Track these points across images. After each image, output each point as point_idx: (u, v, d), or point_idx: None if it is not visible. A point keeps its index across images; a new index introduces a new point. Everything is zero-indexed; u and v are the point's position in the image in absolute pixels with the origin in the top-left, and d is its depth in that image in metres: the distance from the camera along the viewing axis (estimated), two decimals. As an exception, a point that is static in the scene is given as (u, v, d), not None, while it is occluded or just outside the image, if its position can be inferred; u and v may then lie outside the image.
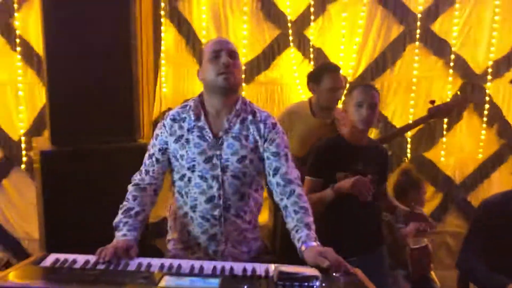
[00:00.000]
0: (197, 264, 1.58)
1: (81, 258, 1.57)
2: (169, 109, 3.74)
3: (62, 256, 1.57)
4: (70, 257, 1.57)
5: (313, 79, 3.00)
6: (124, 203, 1.84)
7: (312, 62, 3.82)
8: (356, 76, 3.86)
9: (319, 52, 3.83)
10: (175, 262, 1.58)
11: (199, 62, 1.96)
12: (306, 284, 1.43)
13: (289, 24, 3.80)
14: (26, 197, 3.78)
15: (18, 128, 3.77)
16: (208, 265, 1.57)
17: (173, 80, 3.82)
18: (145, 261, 1.58)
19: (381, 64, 3.86)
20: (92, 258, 1.57)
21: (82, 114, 2.75)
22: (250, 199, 1.92)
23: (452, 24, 3.83)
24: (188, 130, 1.88)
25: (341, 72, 3.02)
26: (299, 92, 3.83)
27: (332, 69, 2.98)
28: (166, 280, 1.42)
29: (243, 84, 3.78)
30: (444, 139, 3.93)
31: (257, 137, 1.89)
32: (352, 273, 1.56)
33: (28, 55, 3.69)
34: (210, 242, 1.89)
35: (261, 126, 1.90)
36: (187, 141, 1.87)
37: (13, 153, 3.79)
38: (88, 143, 2.77)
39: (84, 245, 1.62)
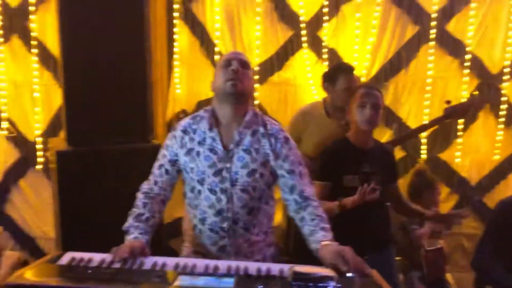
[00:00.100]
0: (211, 263, 1.58)
1: (97, 257, 1.58)
2: (183, 110, 3.79)
3: (78, 255, 1.59)
4: (86, 255, 1.58)
5: (328, 79, 2.99)
6: (134, 209, 1.85)
7: (325, 63, 3.80)
8: (370, 76, 3.83)
9: (332, 53, 3.82)
10: (190, 262, 1.59)
11: (214, 73, 1.96)
12: (321, 284, 1.42)
13: (303, 25, 3.79)
14: (42, 197, 3.82)
15: (34, 129, 3.82)
16: (223, 265, 1.58)
17: (187, 81, 3.84)
18: (160, 260, 1.59)
19: (396, 64, 3.83)
20: (107, 257, 1.58)
21: (97, 115, 2.78)
22: (259, 212, 1.91)
23: (468, 23, 3.78)
24: (199, 142, 1.88)
25: (354, 70, 3.00)
26: (312, 93, 3.82)
27: (348, 69, 2.97)
28: (181, 279, 1.43)
29: (256, 85, 3.78)
30: (459, 139, 3.88)
31: (268, 151, 1.87)
32: (368, 274, 1.55)
33: (45, 57, 3.74)
34: (220, 254, 1.89)
35: (273, 140, 1.88)
36: (198, 154, 1.87)
37: (29, 153, 3.84)
38: (103, 143, 2.80)
39: (99, 244, 1.63)
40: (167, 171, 1.92)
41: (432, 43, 3.80)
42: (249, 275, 1.49)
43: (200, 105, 3.66)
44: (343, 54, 3.82)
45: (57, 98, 3.69)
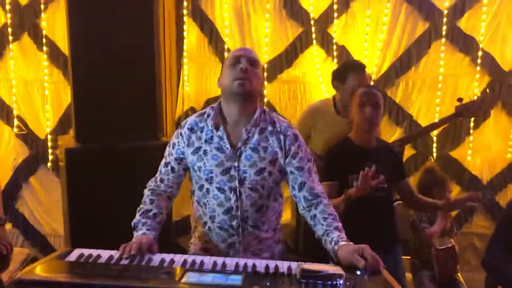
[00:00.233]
0: (219, 260, 1.58)
1: (105, 254, 1.58)
2: (192, 108, 3.79)
3: (86, 251, 1.59)
4: (95, 252, 1.59)
5: (338, 78, 2.96)
6: (141, 205, 1.85)
7: (335, 60, 3.78)
8: (380, 73, 3.80)
9: (342, 50, 3.79)
10: (198, 259, 1.58)
11: (221, 68, 1.93)
12: (329, 282, 1.40)
13: (312, 22, 3.77)
14: (52, 195, 3.85)
15: (44, 127, 3.85)
16: (230, 262, 1.57)
17: (196, 79, 3.84)
18: (168, 257, 1.59)
19: (406, 61, 3.79)
20: (116, 254, 1.58)
21: (106, 113, 2.80)
22: (268, 210, 1.90)
23: (480, 20, 3.73)
24: (206, 140, 1.86)
25: (365, 68, 2.97)
26: (322, 91, 3.80)
27: (358, 67, 2.93)
28: (189, 276, 1.42)
29: (265, 83, 3.77)
30: (470, 137, 3.84)
31: (277, 149, 1.85)
32: (380, 272, 1.53)
33: (54, 55, 3.76)
34: (228, 250, 1.88)
35: (282, 137, 1.86)
36: (205, 152, 1.85)
37: (39, 151, 3.87)
38: (112, 141, 2.81)
39: (107, 241, 1.63)
40: (173, 169, 1.92)
41: (443, 40, 3.76)
42: (257, 272, 1.48)
43: (209, 103, 3.66)
44: (353, 51, 3.79)
45: (67, 96, 3.72)
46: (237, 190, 1.83)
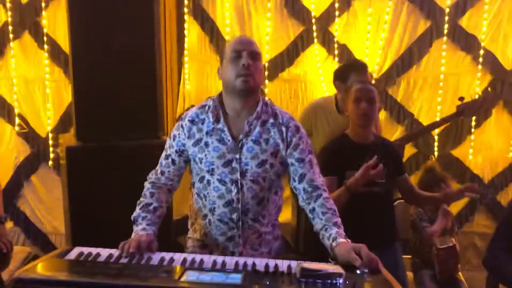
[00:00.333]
0: (219, 259, 1.57)
1: (104, 252, 1.58)
2: (192, 106, 3.78)
3: (86, 250, 1.59)
4: (94, 250, 1.59)
5: (340, 77, 2.95)
6: (141, 199, 1.85)
7: (336, 59, 3.77)
8: (381, 72, 3.80)
9: (343, 49, 3.78)
10: (198, 257, 1.58)
11: (220, 59, 1.92)
12: (329, 281, 1.40)
13: (313, 20, 3.77)
14: (53, 193, 3.86)
15: (45, 125, 3.85)
16: (230, 261, 1.57)
17: (197, 77, 3.83)
18: (167, 255, 1.59)
19: (407, 60, 3.78)
20: (115, 252, 1.58)
21: (107, 111, 2.79)
22: (269, 203, 1.90)
23: (481, 18, 3.72)
24: (207, 132, 1.86)
25: (367, 68, 2.96)
26: (323, 90, 3.79)
27: (360, 67, 2.92)
28: (188, 275, 1.42)
29: (266, 81, 3.76)
30: (472, 136, 3.83)
31: (279, 141, 1.85)
32: (379, 271, 1.53)
33: (55, 53, 3.76)
34: (228, 244, 1.88)
35: (283, 129, 1.86)
36: (206, 144, 1.85)
37: (41, 149, 3.87)
38: (113, 139, 2.81)
39: (108, 239, 1.63)
40: (173, 162, 1.91)
41: (444, 39, 3.75)
42: (257, 271, 1.47)
43: (210, 101, 3.65)
44: (354, 50, 3.79)
45: (68, 94, 3.71)
46: (239, 182, 1.82)
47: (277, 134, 1.85)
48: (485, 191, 3.84)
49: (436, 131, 3.77)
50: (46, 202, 3.92)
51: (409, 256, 2.98)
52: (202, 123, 1.87)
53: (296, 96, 3.87)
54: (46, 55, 3.76)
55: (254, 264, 1.53)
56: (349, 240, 1.66)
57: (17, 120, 3.83)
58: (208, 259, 1.58)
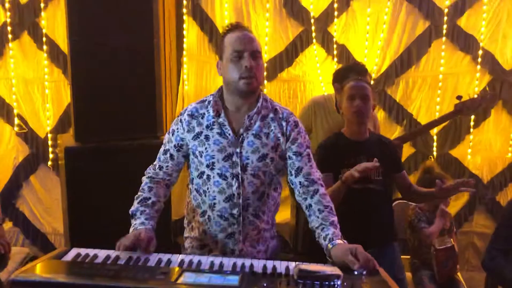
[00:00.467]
0: (217, 260, 1.57)
1: (102, 253, 1.58)
2: (191, 106, 3.78)
3: (83, 251, 1.58)
4: (92, 252, 1.58)
5: (338, 79, 2.94)
6: (139, 193, 1.84)
7: (335, 59, 3.77)
8: (380, 72, 3.80)
9: (342, 49, 3.78)
10: (195, 259, 1.58)
11: (219, 52, 1.90)
12: (327, 283, 1.40)
13: (312, 21, 3.77)
14: (52, 193, 3.86)
15: (44, 126, 3.85)
16: (228, 262, 1.56)
17: (196, 78, 3.84)
18: (165, 257, 1.58)
19: (406, 60, 3.78)
20: (113, 253, 1.58)
21: (106, 112, 2.79)
22: (269, 198, 1.90)
23: (480, 18, 3.72)
24: (207, 126, 1.85)
25: (367, 71, 2.93)
26: (322, 90, 3.79)
27: (359, 70, 2.91)
28: (186, 276, 1.42)
29: (265, 82, 3.76)
30: (471, 136, 3.83)
31: (279, 135, 1.85)
32: (376, 272, 1.53)
33: (54, 53, 3.77)
34: (227, 241, 1.87)
35: (284, 123, 1.86)
36: (207, 137, 1.84)
37: (40, 150, 3.87)
38: (112, 140, 2.82)
39: (107, 240, 1.63)
40: (172, 157, 1.90)
41: (443, 39, 3.75)
42: (254, 273, 1.47)
43: (209, 101, 3.65)
44: (353, 50, 3.79)
45: (66, 95, 3.72)
46: (239, 176, 1.82)
47: (277, 128, 1.86)
48: (484, 191, 3.84)
49: (435, 131, 3.78)
50: (45, 202, 3.92)
51: (408, 257, 2.98)
52: (202, 117, 1.86)
53: (295, 96, 3.87)
54: (45, 55, 3.76)
55: (252, 266, 1.53)
56: (345, 241, 1.65)
57: (16, 121, 3.83)
58: (206, 260, 1.57)
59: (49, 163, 3.87)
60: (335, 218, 1.76)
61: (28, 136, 3.86)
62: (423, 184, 2.73)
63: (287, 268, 1.51)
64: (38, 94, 3.83)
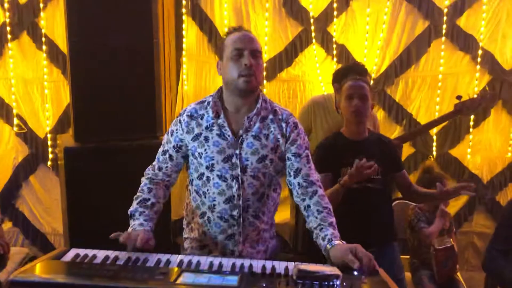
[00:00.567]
0: (216, 261, 1.57)
1: (101, 254, 1.57)
2: (191, 106, 3.78)
3: (82, 251, 1.58)
4: (90, 252, 1.58)
5: (338, 80, 2.94)
6: (139, 194, 1.84)
7: (335, 59, 3.77)
8: (380, 72, 3.80)
9: (342, 49, 3.78)
10: (194, 259, 1.58)
11: (219, 53, 1.90)
12: (326, 283, 1.40)
13: (312, 21, 3.77)
14: (52, 193, 3.86)
15: (44, 126, 3.85)
16: (227, 262, 1.56)
17: (195, 78, 3.83)
18: (164, 257, 1.58)
19: (406, 60, 3.79)
20: (111, 254, 1.58)
21: (105, 112, 2.79)
22: (269, 199, 1.90)
23: (480, 18, 3.72)
24: (207, 127, 1.84)
25: (367, 71, 2.93)
26: (322, 90, 3.79)
27: (359, 71, 2.90)
28: (185, 277, 1.42)
29: (265, 82, 3.76)
30: (470, 136, 3.83)
31: (279, 136, 1.85)
32: (376, 272, 1.53)
33: (54, 53, 3.77)
34: (227, 242, 1.86)
35: (283, 125, 1.86)
36: (206, 139, 1.83)
37: (39, 150, 3.87)
38: (111, 140, 2.81)
39: (106, 240, 1.62)
40: (171, 157, 1.90)
41: (443, 39, 3.75)
42: (254, 273, 1.47)
43: (208, 101, 3.65)
44: (353, 50, 3.79)
45: (66, 95, 3.72)
46: (239, 178, 1.81)
47: (277, 129, 1.86)
48: (484, 191, 3.84)
49: (434, 130, 3.78)
50: (45, 202, 3.92)
51: (408, 257, 2.98)
52: (201, 118, 1.85)
53: (294, 96, 3.87)
54: (44, 55, 3.75)
55: (251, 266, 1.53)
56: (343, 242, 1.65)
57: (15, 121, 3.83)
58: (205, 260, 1.57)
59: (49, 163, 3.86)
60: (334, 220, 1.76)
61: (27, 136, 3.86)
62: (423, 184, 2.73)
63: (286, 268, 1.51)
64: (37, 94, 3.83)
